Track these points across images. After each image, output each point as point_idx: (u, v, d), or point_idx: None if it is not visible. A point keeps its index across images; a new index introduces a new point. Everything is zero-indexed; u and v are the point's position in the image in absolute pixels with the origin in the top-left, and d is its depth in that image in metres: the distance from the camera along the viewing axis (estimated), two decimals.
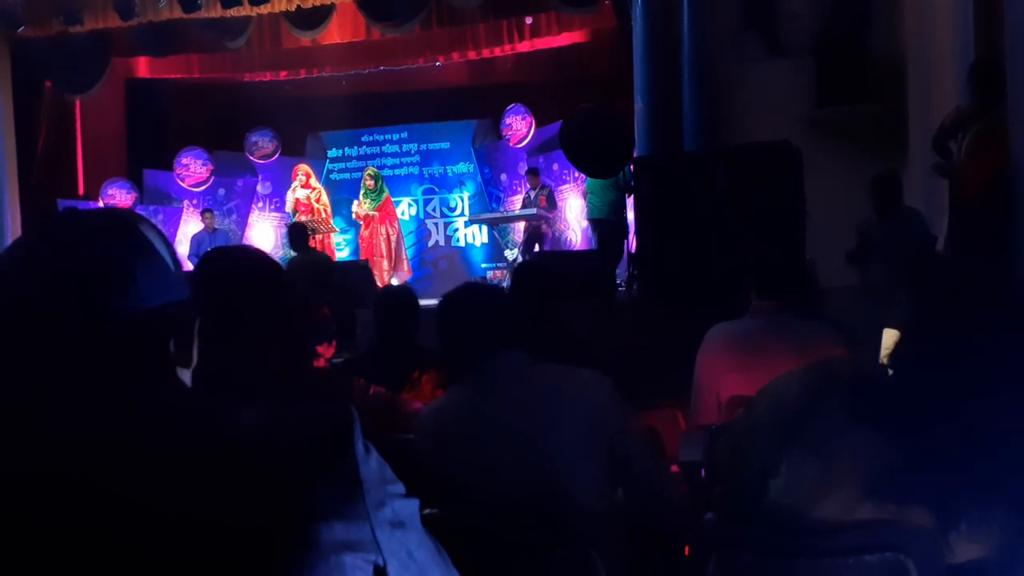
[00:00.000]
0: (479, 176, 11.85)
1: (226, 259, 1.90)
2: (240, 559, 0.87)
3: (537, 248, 9.88)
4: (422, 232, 11.96)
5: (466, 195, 11.89)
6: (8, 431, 0.93)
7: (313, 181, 10.82)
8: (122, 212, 1.04)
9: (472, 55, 11.99)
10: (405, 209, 11.76)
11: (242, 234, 11.76)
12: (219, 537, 0.87)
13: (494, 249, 11.44)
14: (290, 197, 10.75)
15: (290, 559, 0.87)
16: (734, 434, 1.62)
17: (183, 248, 10.18)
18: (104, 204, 11.11)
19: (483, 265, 11.43)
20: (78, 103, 11.43)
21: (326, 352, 3.01)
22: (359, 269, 8.60)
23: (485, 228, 11.47)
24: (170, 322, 1.00)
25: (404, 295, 3.58)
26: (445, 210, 11.99)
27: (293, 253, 8.11)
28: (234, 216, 11.83)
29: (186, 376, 1.02)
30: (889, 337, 4.03)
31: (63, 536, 0.86)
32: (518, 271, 3.97)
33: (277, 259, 11.65)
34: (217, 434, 0.93)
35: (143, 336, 0.96)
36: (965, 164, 4.88)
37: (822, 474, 1.42)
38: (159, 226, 1.06)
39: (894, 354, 1.42)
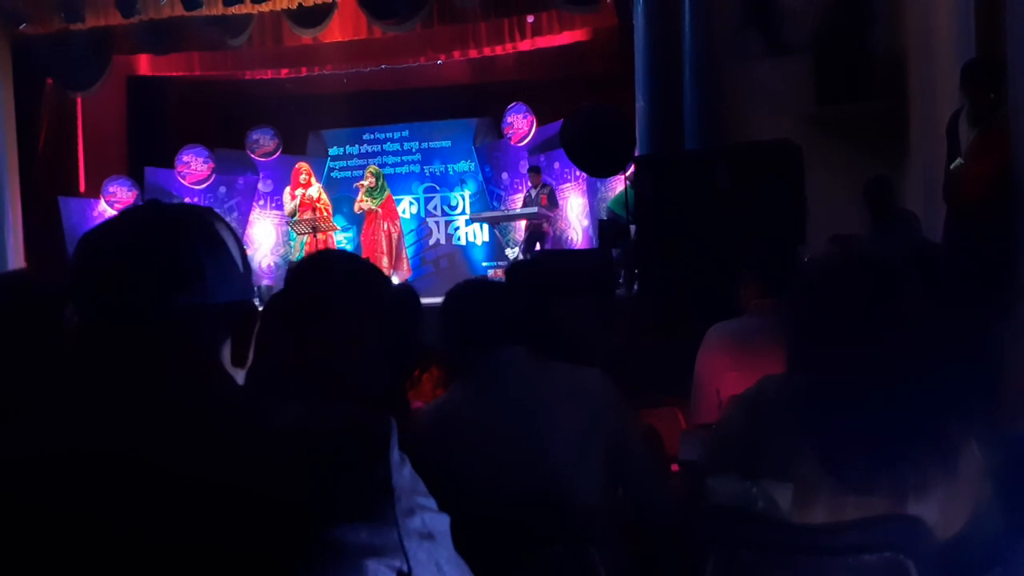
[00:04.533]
0: (480, 175, 11.84)
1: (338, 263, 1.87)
2: (262, 555, 0.87)
3: (538, 247, 9.88)
4: (423, 231, 11.96)
5: (467, 193, 11.89)
6: (60, 408, 0.95)
7: (313, 180, 10.80)
8: (199, 208, 1.05)
9: (473, 53, 11.98)
10: (406, 207, 11.76)
11: (243, 232, 11.76)
12: (243, 530, 0.88)
13: (495, 248, 11.44)
14: (287, 197, 10.73)
15: (311, 559, 0.87)
16: (700, 473, 1.66)
17: None
18: (105, 202, 11.12)
19: (484, 263, 11.43)
20: (79, 100, 11.42)
21: None
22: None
23: (486, 227, 11.47)
24: (231, 320, 1.01)
25: (405, 294, 3.58)
26: (446, 208, 11.99)
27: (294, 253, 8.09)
28: (235, 214, 11.83)
29: (239, 376, 1.03)
30: None
31: (90, 513, 0.87)
32: (512, 270, 3.97)
33: (279, 257, 11.59)
34: (254, 432, 0.94)
35: (201, 331, 0.98)
36: (965, 166, 4.89)
37: (797, 494, 1.45)
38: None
39: (790, 364, 1.51)
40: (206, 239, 0.99)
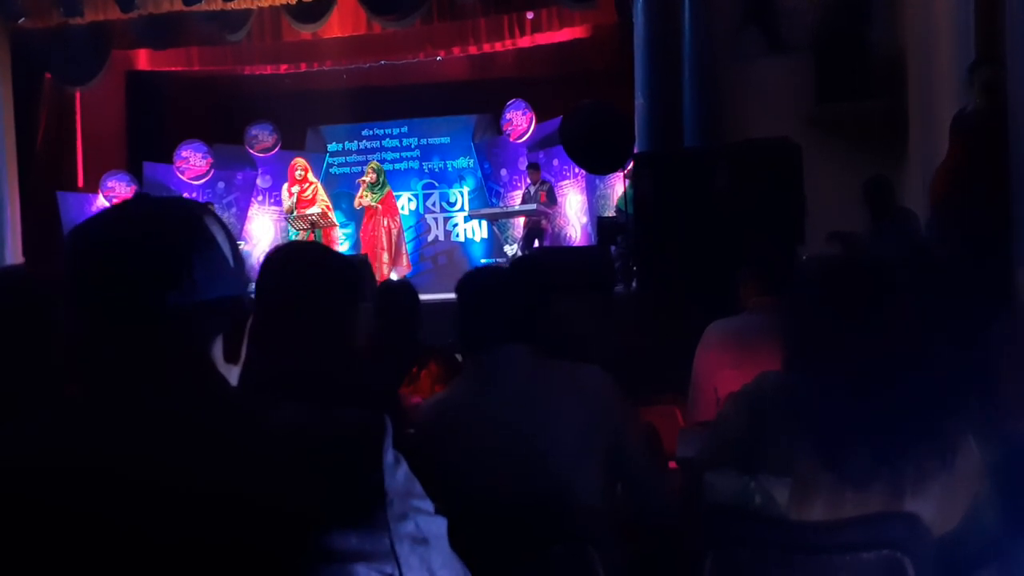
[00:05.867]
0: (479, 171, 11.84)
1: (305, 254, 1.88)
2: (250, 557, 0.87)
3: (537, 243, 9.87)
4: (421, 227, 11.95)
5: (466, 190, 11.88)
6: (54, 408, 0.95)
7: (310, 176, 10.78)
8: (189, 203, 1.03)
9: (473, 50, 11.97)
10: (405, 204, 11.74)
11: (241, 228, 11.75)
12: (232, 532, 0.87)
13: (494, 244, 11.44)
14: (285, 194, 10.71)
15: (299, 563, 0.86)
16: (698, 469, 1.67)
17: None
18: (104, 197, 11.10)
19: (483, 260, 11.42)
20: (78, 95, 11.40)
21: None
22: (359, 264, 8.58)
23: (485, 223, 11.46)
24: (223, 317, 0.99)
25: (404, 290, 3.59)
26: (445, 205, 11.98)
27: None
28: (233, 209, 11.82)
29: (233, 373, 1.01)
30: None
31: (83, 513, 0.87)
32: (512, 267, 3.96)
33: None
34: (244, 434, 0.93)
35: (192, 328, 0.96)
36: (944, 166, 4.95)
37: (795, 490, 1.46)
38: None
39: (788, 362, 1.53)
40: (194, 234, 0.97)
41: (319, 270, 1.81)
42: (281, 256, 1.83)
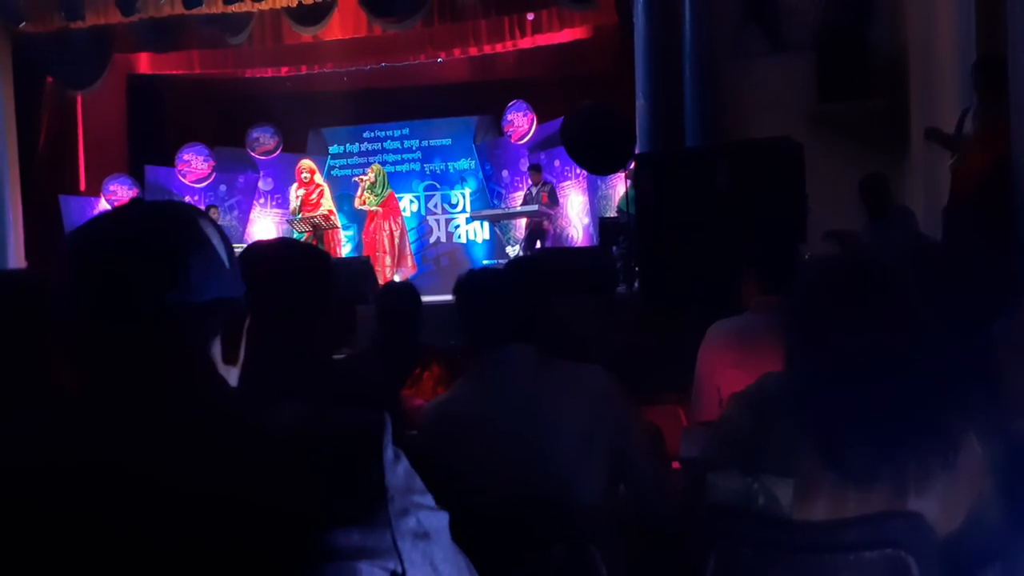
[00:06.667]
0: (480, 172, 11.84)
1: (269, 250, 1.89)
2: (253, 557, 0.87)
3: (538, 244, 9.87)
4: (423, 228, 11.96)
5: (467, 191, 11.89)
6: (53, 409, 0.95)
7: (317, 178, 10.78)
8: (183, 205, 1.04)
9: (473, 51, 11.98)
10: (407, 205, 11.75)
11: (244, 230, 11.76)
12: (233, 532, 0.87)
13: (495, 245, 11.44)
14: (292, 195, 10.72)
15: (302, 562, 0.87)
16: (701, 470, 1.67)
17: None
18: (106, 200, 11.11)
19: (484, 261, 11.42)
20: (79, 99, 11.42)
21: None
22: (360, 265, 8.59)
23: (487, 224, 11.47)
24: (220, 318, 0.99)
25: (406, 292, 3.59)
26: (447, 206, 11.99)
27: None
28: (235, 212, 11.83)
29: (232, 374, 1.01)
30: None
31: (84, 514, 0.87)
32: (512, 266, 3.95)
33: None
34: (244, 433, 0.93)
35: (189, 329, 0.96)
36: (965, 160, 4.91)
37: (797, 489, 1.46)
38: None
39: (790, 361, 1.54)
40: (190, 236, 0.97)
41: (284, 265, 1.82)
42: (249, 259, 1.84)
